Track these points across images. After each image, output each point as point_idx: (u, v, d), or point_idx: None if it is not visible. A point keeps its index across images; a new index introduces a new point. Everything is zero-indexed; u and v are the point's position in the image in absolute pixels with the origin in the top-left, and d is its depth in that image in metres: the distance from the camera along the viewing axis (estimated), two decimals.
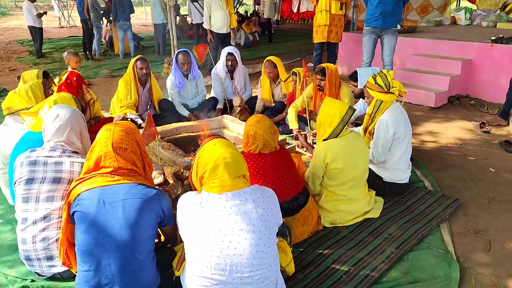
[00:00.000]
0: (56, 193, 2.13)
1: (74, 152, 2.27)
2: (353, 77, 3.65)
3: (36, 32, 9.50)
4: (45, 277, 2.21)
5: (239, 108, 4.74)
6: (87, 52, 9.59)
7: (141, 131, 3.67)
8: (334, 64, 6.96)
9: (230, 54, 4.89)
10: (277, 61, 4.75)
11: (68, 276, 2.19)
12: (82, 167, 2.07)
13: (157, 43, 10.11)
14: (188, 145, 3.83)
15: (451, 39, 5.83)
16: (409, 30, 6.82)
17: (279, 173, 2.41)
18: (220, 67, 4.99)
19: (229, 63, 4.91)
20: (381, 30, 5.31)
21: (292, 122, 4.12)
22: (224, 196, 1.73)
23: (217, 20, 6.96)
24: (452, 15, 8.99)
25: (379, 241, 2.57)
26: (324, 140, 2.64)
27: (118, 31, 9.50)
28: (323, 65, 3.97)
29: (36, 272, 2.21)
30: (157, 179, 2.72)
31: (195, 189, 1.89)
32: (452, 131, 4.62)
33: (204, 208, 1.73)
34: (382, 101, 2.93)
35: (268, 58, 4.79)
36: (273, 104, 4.89)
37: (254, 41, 12.05)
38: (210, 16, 6.93)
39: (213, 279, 1.71)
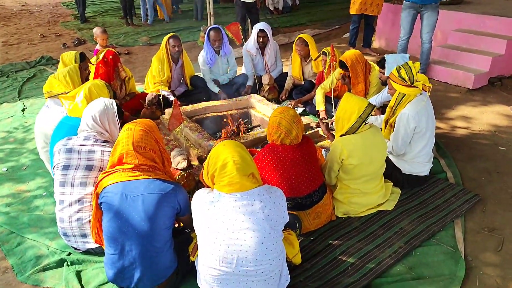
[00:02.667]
0: (88, 179, 2.37)
1: (105, 141, 2.48)
2: (381, 63, 3.57)
3: None
4: (80, 251, 2.51)
5: (268, 87, 4.79)
6: (127, 18, 9.62)
7: (171, 110, 3.87)
8: (372, 37, 6.74)
9: (261, 31, 4.88)
10: (309, 39, 4.70)
11: (100, 251, 2.46)
12: None
13: (195, 8, 10.09)
14: (216, 125, 4.01)
15: (498, 15, 5.44)
16: (455, 1, 6.38)
17: (297, 168, 2.50)
18: (251, 43, 5.01)
19: (260, 40, 4.92)
20: (421, 5, 5.05)
21: (319, 103, 4.16)
22: (233, 197, 1.88)
23: None
24: None
25: (389, 234, 2.65)
26: (341, 135, 2.69)
27: None
28: (341, 58, 3.87)
29: (72, 247, 2.51)
30: (181, 164, 2.91)
31: (207, 186, 2.05)
32: (487, 117, 4.46)
33: (215, 207, 1.89)
34: (405, 94, 2.90)
35: (299, 35, 4.74)
36: (303, 83, 4.89)
37: (294, 5, 11.69)
38: None
39: (221, 270, 1.90)
